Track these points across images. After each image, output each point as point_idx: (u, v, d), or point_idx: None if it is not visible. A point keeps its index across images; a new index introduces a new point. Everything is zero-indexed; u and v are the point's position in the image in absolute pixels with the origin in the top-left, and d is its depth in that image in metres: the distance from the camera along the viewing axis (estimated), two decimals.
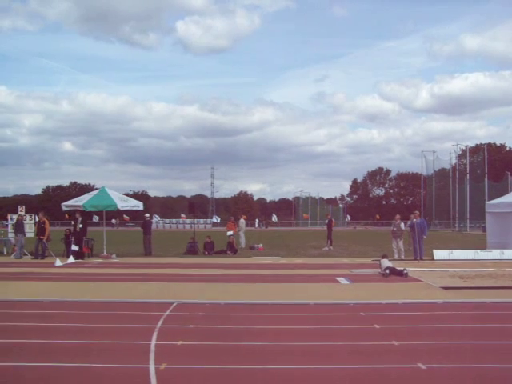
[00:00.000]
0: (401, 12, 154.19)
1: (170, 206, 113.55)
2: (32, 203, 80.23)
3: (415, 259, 19.06)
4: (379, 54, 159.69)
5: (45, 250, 21.12)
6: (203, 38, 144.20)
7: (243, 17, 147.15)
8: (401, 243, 20.12)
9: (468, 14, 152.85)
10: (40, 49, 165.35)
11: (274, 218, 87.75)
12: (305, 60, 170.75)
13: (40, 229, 20.98)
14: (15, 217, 23.17)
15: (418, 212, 21.38)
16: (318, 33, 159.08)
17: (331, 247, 26.07)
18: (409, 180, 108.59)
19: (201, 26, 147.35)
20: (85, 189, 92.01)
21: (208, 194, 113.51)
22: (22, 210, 24.18)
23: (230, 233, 25.17)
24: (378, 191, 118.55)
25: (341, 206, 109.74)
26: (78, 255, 19.96)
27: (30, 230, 22.93)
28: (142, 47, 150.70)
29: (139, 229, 26.48)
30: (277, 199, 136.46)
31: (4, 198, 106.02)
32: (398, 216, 21.08)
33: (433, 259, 19.13)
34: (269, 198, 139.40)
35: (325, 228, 30.03)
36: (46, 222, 21.39)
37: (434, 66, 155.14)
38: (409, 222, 20.32)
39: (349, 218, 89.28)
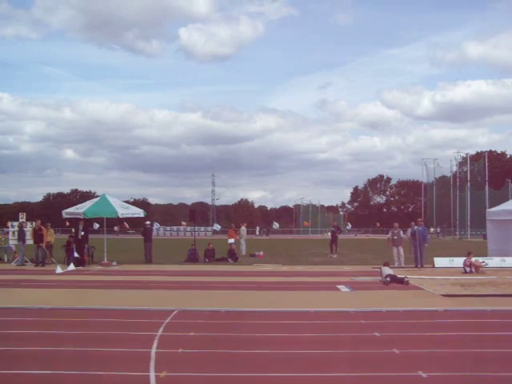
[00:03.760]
0: (404, 20, 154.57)
1: (170, 214, 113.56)
2: (33, 210, 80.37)
3: (416, 267, 19.05)
4: (382, 61, 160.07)
5: (44, 258, 21.12)
6: (206, 46, 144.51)
7: (246, 24, 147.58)
8: (401, 250, 20.12)
9: (471, 21, 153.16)
10: (43, 56, 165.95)
11: (275, 225, 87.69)
12: (307, 67, 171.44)
13: (37, 236, 20.97)
14: (16, 224, 23.19)
15: (420, 219, 21.45)
16: (321, 40, 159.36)
17: (331, 255, 25.99)
18: (409, 187, 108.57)
19: (204, 34, 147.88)
20: (86, 196, 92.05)
21: (209, 201, 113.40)
22: (22, 217, 24.20)
23: (231, 240, 25.16)
24: (379, 199, 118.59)
25: (341, 213, 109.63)
26: (79, 262, 19.96)
27: (29, 238, 22.94)
28: (144, 54, 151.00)
29: (140, 236, 26.48)
30: (278, 207, 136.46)
31: (5, 205, 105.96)
32: (396, 224, 21.10)
33: (433, 267, 19.12)
34: (270, 206, 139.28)
35: (329, 236, 29.90)
36: (43, 228, 21.37)
37: (436, 74, 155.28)
38: (410, 230, 20.31)
39: (350, 225, 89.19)
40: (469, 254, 17.61)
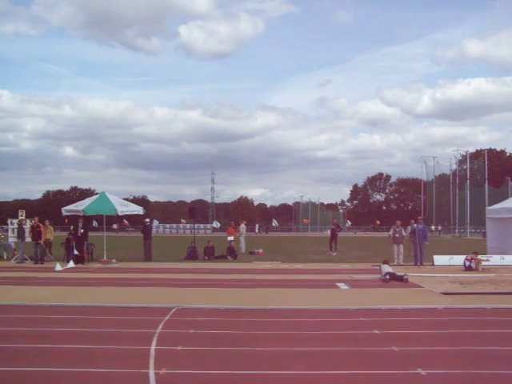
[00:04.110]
0: (404, 17, 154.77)
1: (170, 211, 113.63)
2: (32, 208, 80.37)
3: (415, 265, 19.06)
4: (382, 59, 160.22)
5: (43, 255, 21.09)
6: (206, 43, 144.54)
7: (246, 22, 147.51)
8: (402, 248, 20.16)
9: (471, 19, 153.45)
10: (42, 53, 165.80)
11: (275, 223, 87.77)
12: (308, 65, 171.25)
13: (35, 233, 20.97)
14: (15, 221, 23.18)
15: (420, 217, 21.47)
16: (322, 38, 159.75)
17: (330, 252, 25.99)
18: (409, 185, 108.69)
19: (204, 31, 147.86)
20: (85, 193, 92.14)
21: (208, 199, 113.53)
22: (22, 214, 24.19)
23: (230, 238, 25.17)
24: (378, 197, 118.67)
25: (341, 211, 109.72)
26: (78, 260, 19.96)
27: (28, 235, 22.94)
28: (144, 52, 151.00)
29: (139, 234, 26.48)
30: (277, 204, 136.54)
31: (4, 202, 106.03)
32: (399, 222, 21.10)
33: (433, 265, 19.14)
34: (269, 203, 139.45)
35: (329, 233, 29.87)
36: (41, 225, 21.37)
37: (436, 72, 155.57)
38: (409, 228, 20.32)
39: (349, 223, 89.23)
40: (475, 253, 17.73)
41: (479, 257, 17.54)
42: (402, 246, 20.17)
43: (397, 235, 20.38)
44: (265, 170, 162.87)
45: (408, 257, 20.07)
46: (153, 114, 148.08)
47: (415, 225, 19.96)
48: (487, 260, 17.88)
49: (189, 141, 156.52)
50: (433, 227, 63.82)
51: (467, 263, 17.12)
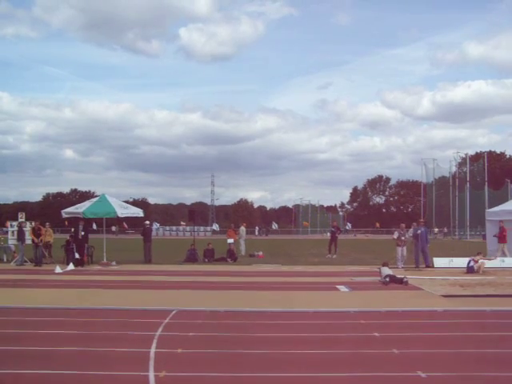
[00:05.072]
0: (404, 20, 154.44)
1: (170, 214, 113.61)
2: (32, 210, 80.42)
3: (416, 267, 19.07)
4: (382, 61, 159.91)
5: (41, 257, 21.06)
6: (206, 46, 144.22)
7: (247, 24, 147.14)
8: (405, 250, 20.19)
9: (471, 22, 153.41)
10: (43, 56, 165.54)
11: (274, 225, 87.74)
12: (308, 67, 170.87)
13: (36, 235, 20.96)
14: (15, 224, 23.18)
15: (421, 220, 21.50)
16: (322, 40, 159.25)
17: (329, 255, 25.94)
18: (409, 188, 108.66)
19: (204, 34, 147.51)
20: (85, 196, 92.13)
21: (208, 201, 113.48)
22: (22, 216, 24.20)
23: (230, 240, 25.17)
24: (378, 199, 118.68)
25: (341, 213, 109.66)
26: (78, 262, 19.95)
27: (29, 237, 22.95)
28: (145, 54, 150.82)
29: (139, 236, 26.47)
30: (277, 207, 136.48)
31: (4, 204, 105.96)
32: (403, 225, 21.19)
33: (433, 267, 19.13)
34: (269, 206, 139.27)
35: (329, 236, 29.90)
36: (42, 228, 21.38)
37: (436, 74, 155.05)
38: (412, 230, 20.34)
39: (350, 225, 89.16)
40: (478, 254, 17.98)
41: (480, 261, 17.60)
42: (405, 249, 20.21)
43: (402, 238, 20.42)
44: (265, 172, 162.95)
45: (409, 259, 20.07)
46: (153, 117, 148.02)
47: (418, 229, 20.02)
48: (489, 259, 18.15)
49: (189, 143, 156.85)
50: (436, 230, 63.74)
51: (471, 263, 17.16)
